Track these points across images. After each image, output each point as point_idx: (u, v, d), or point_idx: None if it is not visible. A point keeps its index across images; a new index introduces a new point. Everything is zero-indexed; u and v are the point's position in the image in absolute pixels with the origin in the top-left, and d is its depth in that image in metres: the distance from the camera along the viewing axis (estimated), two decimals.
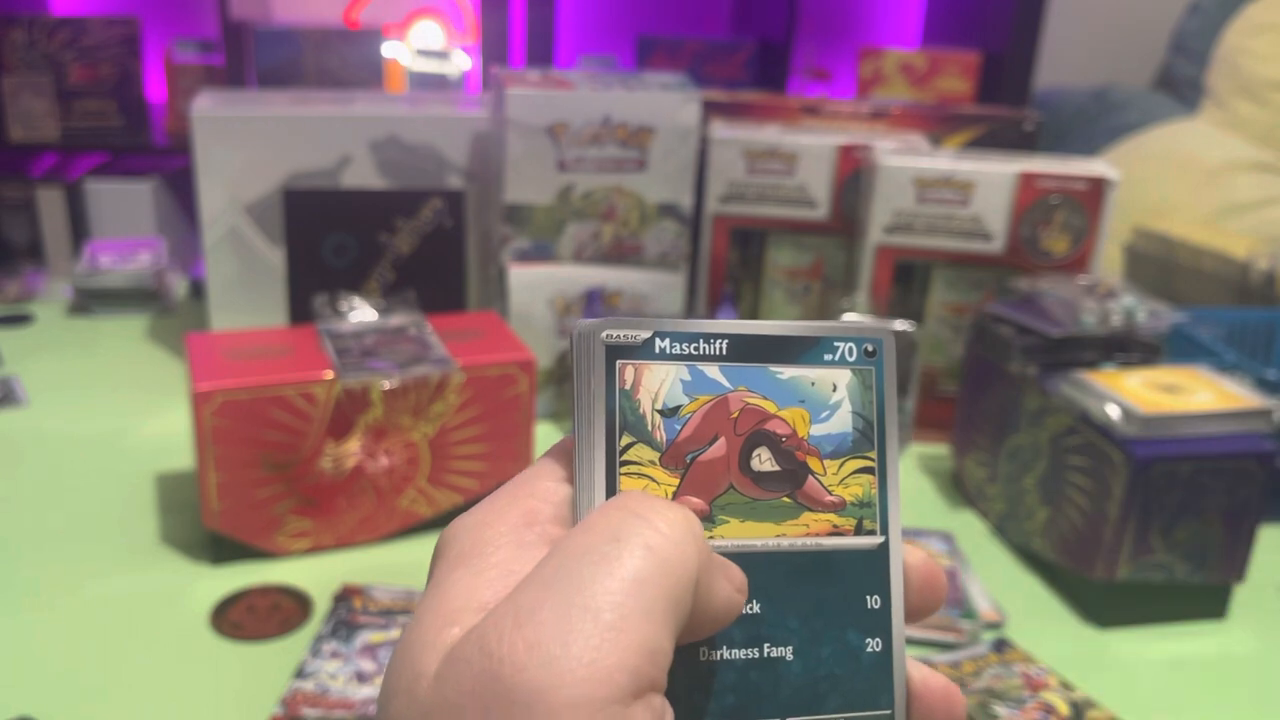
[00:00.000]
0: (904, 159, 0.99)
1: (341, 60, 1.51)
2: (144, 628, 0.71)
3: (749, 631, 0.25)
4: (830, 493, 0.26)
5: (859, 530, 0.26)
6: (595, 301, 0.99)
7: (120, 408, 1.02)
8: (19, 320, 1.24)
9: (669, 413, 0.25)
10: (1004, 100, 1.43)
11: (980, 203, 0.98)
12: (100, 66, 1.53)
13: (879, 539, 0.26)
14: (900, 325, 0.97)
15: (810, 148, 1.03)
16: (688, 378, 0.25)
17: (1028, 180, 0.97)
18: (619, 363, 0.25)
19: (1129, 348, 0.84)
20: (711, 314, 1.08)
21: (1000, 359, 0.86)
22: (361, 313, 0.86)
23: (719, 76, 1.64)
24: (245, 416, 0.74)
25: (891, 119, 1.13)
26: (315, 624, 0.72)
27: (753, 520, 0.26)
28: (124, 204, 1.44)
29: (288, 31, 1.50)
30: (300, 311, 1.00)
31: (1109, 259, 1.41)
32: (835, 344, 0.26)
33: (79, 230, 1.45)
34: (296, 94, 1.09)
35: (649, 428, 0.25)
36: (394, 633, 0.70)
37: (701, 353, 0.26)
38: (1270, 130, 1.54)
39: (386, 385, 0.77)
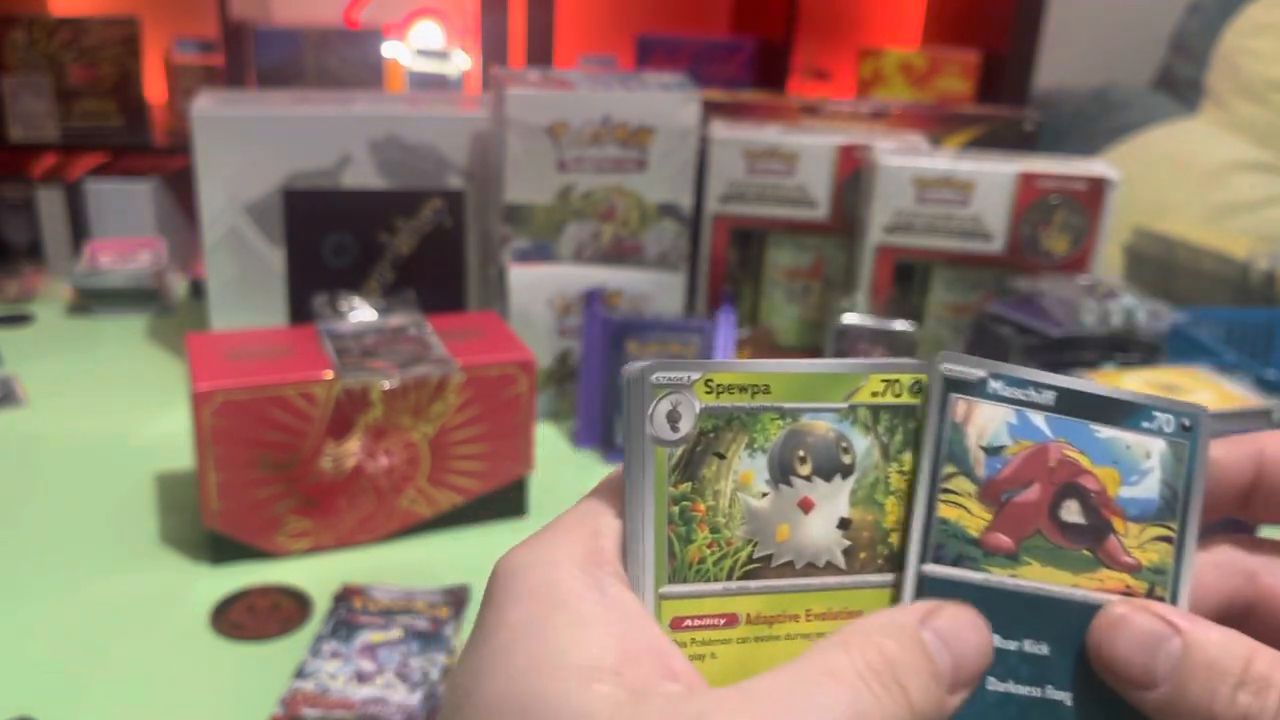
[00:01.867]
0: (904, 159, 0.99)
1: (341, 60, 1.51)
2: (144, 628, 0.71)
3: (1035, 670, 0.26)
4: (1128, 553, 0.27)
5: (1150, 594, 0.27)
6: (595, 301, 0.99)
7: (120, 408, 1.02)
8: (19, 320, 1.24)
9: (993, 451, 0.26)
10: (1004, 100, 1.43)
11: (980, 203, 0.98)
12: (100, 66, 1.53)
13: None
14: (900, 325, 0.97)
15: (810, 148, 1.03)
16: (1014, 421, 0.26)
17: (1028, 180, 0.97)
18: (953, 396, 0.26)
19: (1129, 348, 0.84)
20: (712, 314, 1.08)
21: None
22: (361, 313, 0.86)
23: (719, 76, 1.64)
24: (245, 416, 0.74)
25: (891, 119, 1.13)
26: (315, 624, 0.72)
27: (1053, 566, 0.26)
28: (124, 204, 1.44)
29: (288, 31, 1.50)
30: (300, 311, 1.00)
31: (1109, 259, 1.41)
32: (1155, 413, 0.27)
33: (79, 230, 1.45)
34: (296, 94, 1.09)
35: (971, 462, 0.26)
36: (394, 633, 0.70)
37: (1030, 400, 0.27)
38: (1270, 130, 1.54)
39: (386, 385, 0.77)
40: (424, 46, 1.59)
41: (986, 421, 0.26)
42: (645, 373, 0.25)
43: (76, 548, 0.80)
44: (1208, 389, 0.77)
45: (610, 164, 0.98)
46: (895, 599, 0.26)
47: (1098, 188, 0.98)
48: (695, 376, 0.25)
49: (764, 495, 0.26)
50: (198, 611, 0.73)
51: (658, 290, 1.02)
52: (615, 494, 0.26)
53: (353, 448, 0.79)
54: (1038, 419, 0.26)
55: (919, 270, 1.03)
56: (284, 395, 0.75)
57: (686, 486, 0.25)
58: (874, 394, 0.26)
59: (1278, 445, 0.28)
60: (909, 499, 0.26)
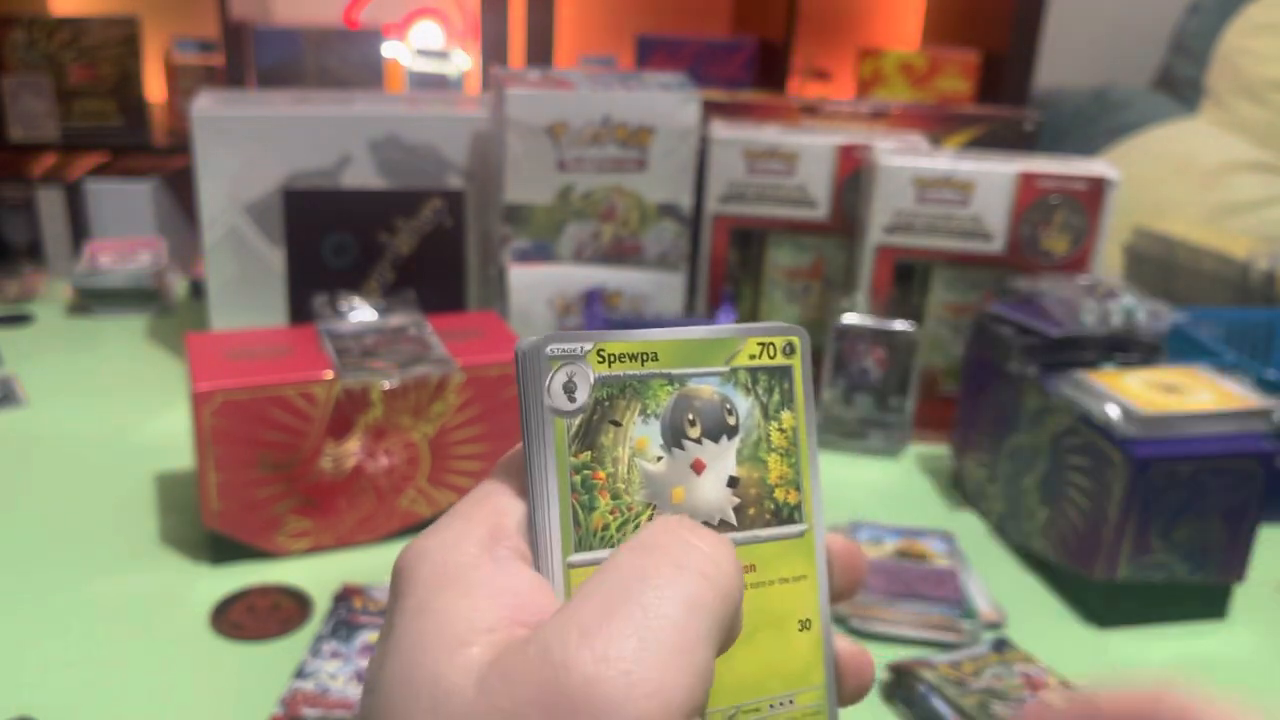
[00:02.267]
0: (904, 159, 0.99)
1: (341, 60, 1.51)
2: (144, 628, 0.71)
3: None
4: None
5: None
6: (595, 301, 0.99)
7: (120, 408, 1.02)
8: (19, 320, 1.24)
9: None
10: (1004, 100, 1.43)
11: (980, 203, 0.98)
12: (100, 66, 1.53)
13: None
14: (900, 325, 0.97)
15: (810, 148, 1.03)
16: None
17: (1028, 180, 0.97)
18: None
19: (1129, 348, 0.84)
20: (712, 314, 1.08)
21: (1000, 359, 0.86)
22: (361, 313, 0.86)
23: (719, 76, 1.64)
24: (245, 416, 0.74)
25: (891, 119, 1.13)
26: (315, 624, 0.72)
27: None
28: (124, 204, 1.44)
29: (288, 31, 1.50)
30: (300, 311, 1.00)
31: (1109, 259, 1.41)
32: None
33: (79, 230, 1.45)
34: (296, 94, 1.09)
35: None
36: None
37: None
38: (1270, 130, 1.54)
39: (386, 385, 0.77)
40: (424, 46, 1.59)
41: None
42: (539, 345, 0.26)
43: (76, 548, 0.80)
44: (1208, 389, 0.77)
45: (610, 164, 0.98)
46: (787, 553, 0.28)
47: (1098, 188, 0.98)
48: (588, 347, 0.26)
49: (659, 459, 0.27)
50: (198, 611, 0.73)
51: (658, 290, 1.02)
52: (514, 472, 0.26)
53: (353, 448, 0.79)
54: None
55: (919, 270, 1.03)
56: (284, 395, 0.75)
57: (586, 455, 0.26)
58: (751, 356, 0.28)
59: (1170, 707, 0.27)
60: (792, 453, 0.28)
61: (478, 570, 0.24)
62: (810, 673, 0.28)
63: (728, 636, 0.24)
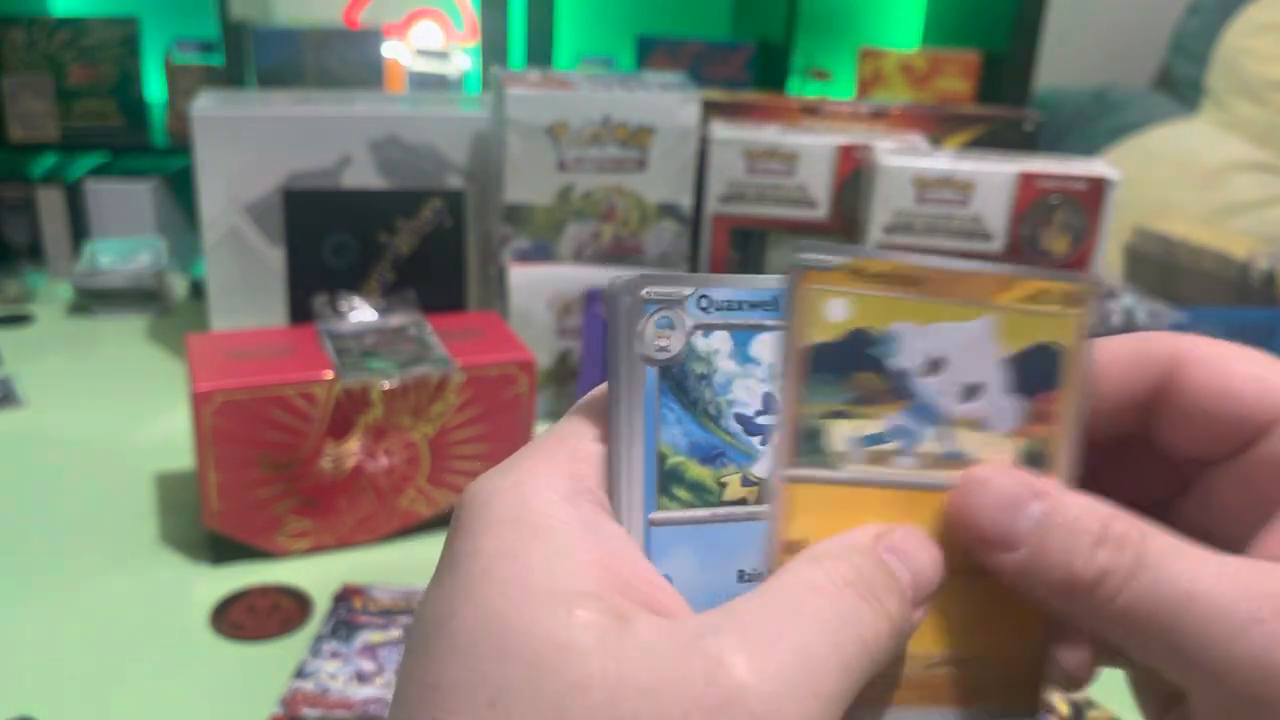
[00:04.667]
0: (904, 159, 0.99)
1: (341, 60, 1.51)
2: (144, 628, 0.71)
3: None
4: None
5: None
6: (595, 301, 0.99)
7: (120, 408, 1.02)
8: (19, 320, 1.24)
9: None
10: (1004, 100, 1.43)
11: (980, 203, 0.98)
12: (100, 66, 1.53)
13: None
14: None
15: (810, 148, 1.03)
16: None
17: (1028, 180, 0.97)
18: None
19: None
20: None
21: None
22: (361, 313, 0.86)
23: (719, 76, 1.64)
24: (245, 416, 0.74)
25: (891, 119, 1.13)
26: (315, 624, 0.72)
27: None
28: (124, 204, 1.44)
29: (288, 31, 1.50)
30: (300, 311, 1.00)
31: (1109, 259, 1.41)
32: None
33: (79, 230, 1.44)
34: (296, 94, 1.09)
35: None
36: (394, 633, 0.70)
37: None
38: (1270, 130, 1.54)
39: (386, 385, 0.77)
40: (424, 46, 1.59)
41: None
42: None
43: (76, 548, 0.80)
44: None
45: (610, 164, 0.98)
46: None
47: (1098, 188, 0.98)
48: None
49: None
50: (198, 611, 0.73)
51: None
52: (595, 414, 0.25)
53: (353, 448, 0.78)
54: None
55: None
56: (284, 395, 0.75)
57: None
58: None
59: (1191, 350, 0.26)
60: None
61: (567, 525, 0.22)
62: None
63: (883, 665, 0.23)
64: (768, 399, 0.24)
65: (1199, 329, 0.96)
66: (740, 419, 0.24)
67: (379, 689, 0.65)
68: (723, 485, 0.24)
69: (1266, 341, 1.03)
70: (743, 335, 0.24)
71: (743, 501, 0.24)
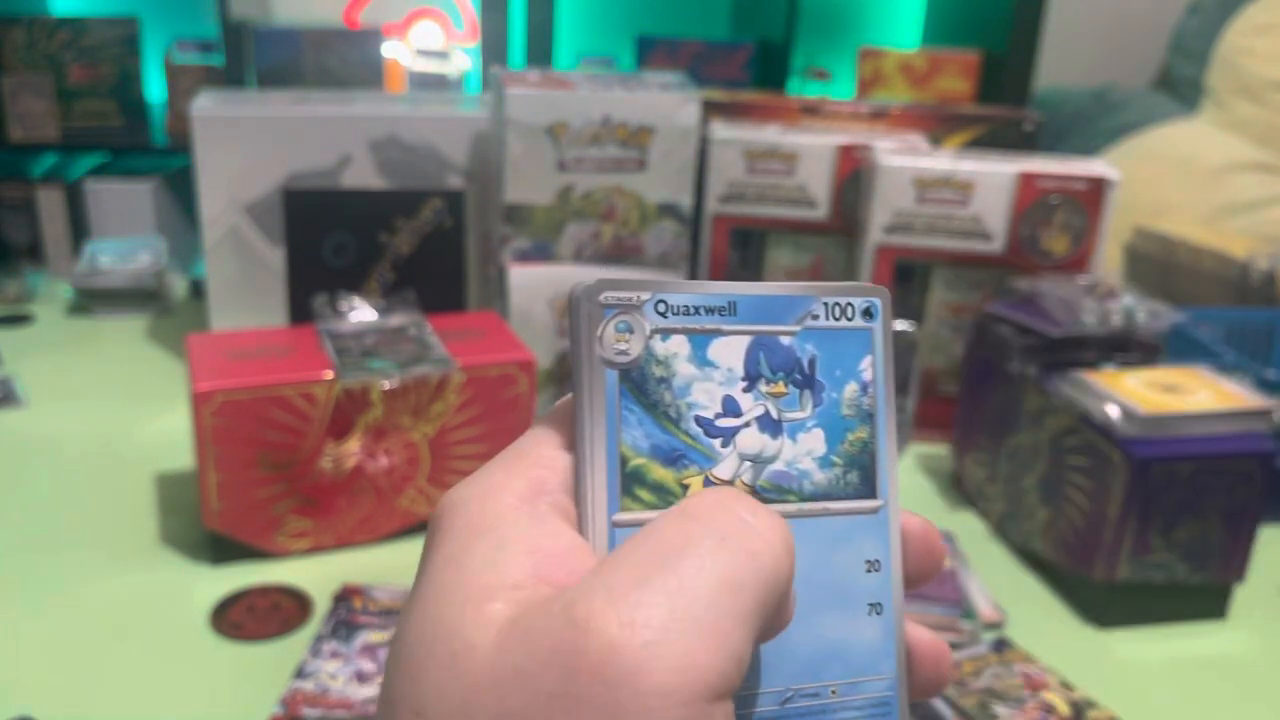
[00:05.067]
0: (904, 159, 0.99)
1: (341, 60, 1.51)
2: (144, 628, 0.71)
3: None
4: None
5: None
6: None
7: (120, 407, 1.02)
8: (19, 320, 1.24)
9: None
10: (1004, 100, 1.43)
11: (980, 203, 0.98)
12: (100, 66, 1.53)
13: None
14: (900, 325, 0.97)
15: (810, 148, 1.03)
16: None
17: (1028, 180, 0.97)
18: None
19: (1129, 348, 0.84)
20: None
21: (1000, 359, 0.86)
22: (361, 313, 0.86)
23: (719, 76, 1.64)
24: (245, 416, 0.74)
25: (891, 119, 1.13)
26: (315, 624, 0.72)
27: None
28: (124, 204, 1.44)
29: (288, 31, 1.50)
30: (300, 311, 1.00)
31: (1109, 259, 1.41)
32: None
33: (79, 230, 1.44)
34: (296, 94, 1.09)
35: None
36: (394, 632, 0.70)
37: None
38: (1270, 130, 1.54)
39: (386, 385, 0.77)
40: (424, 46, 1.59)
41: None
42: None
43: (77, 548, 0.80)
44: (1208, 389, 0.77)
45: (610, 164, 0.98)
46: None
47: (1098, 188, 0.98)
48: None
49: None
50: (198, 611, 0.73)
51: None
52: (562, 422, 0.25)
53: (353, 448, 0.78)
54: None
55: (919, 270, 1.03)
56: (284, 395, 0.75)
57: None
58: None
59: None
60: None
61: (514, 524, 0.23)
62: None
63: (773, 621, 0.22)
64: (727, 401, 0.25)
65: (1199, 329, 0.96)
66: (700, 421, 0.25)
67: (379, 689, 0.65)
68: (685, 486, 0.24)
69: (1266, 341, 1.03)
70: (700, 339, 0.25)
71: None
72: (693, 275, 1.07)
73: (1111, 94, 1.66)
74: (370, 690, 0.65)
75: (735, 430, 0.25)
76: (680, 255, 1.02)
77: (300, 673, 0.66)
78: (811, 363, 0.26)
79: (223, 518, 0.76)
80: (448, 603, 0.22)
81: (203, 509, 0.76)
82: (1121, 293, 0.86)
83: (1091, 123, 1.63)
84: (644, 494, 0.24)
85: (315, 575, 0.77)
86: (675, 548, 0.21)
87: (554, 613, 0.21)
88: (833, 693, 0.25)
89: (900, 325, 0.97)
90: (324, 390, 0.76)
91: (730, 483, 0.25)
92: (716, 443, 0.25)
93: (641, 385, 0.24)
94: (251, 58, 1.49)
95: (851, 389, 0.26)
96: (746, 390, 0.25)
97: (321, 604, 0.74)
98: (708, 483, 0.25)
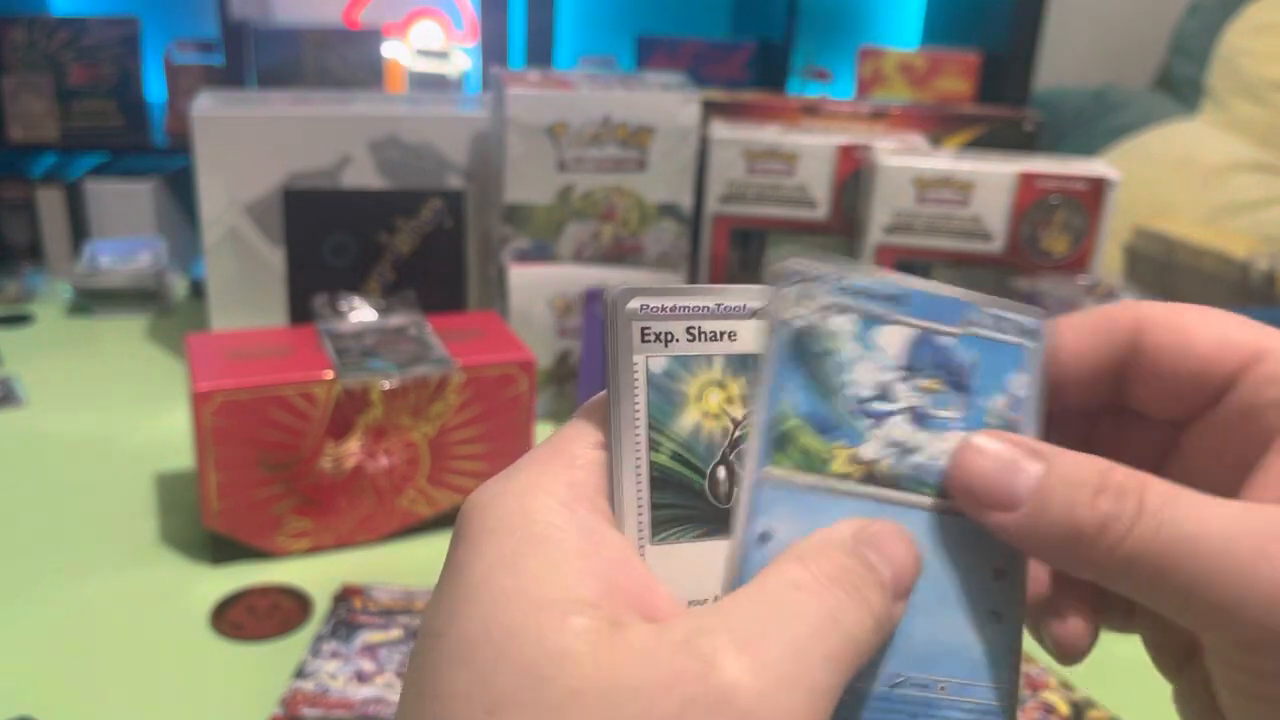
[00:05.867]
0: (904, 159, 0.99)
1: (341, 60, 1.51)
2: (144, 628, 0.71)
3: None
4: None
5: None
6: (595, 301, 0.99)
7: (120, 407, 1.02)
8: (19, 320, 1.24)
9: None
10: (1004, 100, 1.43)
11: (980, 203, 0.98)
12: (100, 66, 1.53)
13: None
14: None
15: (810, 148, 1.03)
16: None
17: (1028, 180, 0.97)
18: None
19: None
20: None
21: None
22: (361, 313, 0.86)
23: (719, 76, 1.64)
24: (245, 416, 0.74)
25: (891, 119, 1.13)
26: (315, 624, 0.72)
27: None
28: (124, 204, 1.44)
29: (288, 31, 1.50)
30: (300, 311, 1.00)
31: (1109, 259, 1.41)
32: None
33: (79, 230, 1.45)
34: (296, 94, 1.09)
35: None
36: (394, 633, 0.70)
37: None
38: (1270, 130, 1.54)
39: (386, 385, 0.77)
40: (424, 46, 1.59)
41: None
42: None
43: (77, 548, 0.80)
44: None
45: (610, 164, 0.98)
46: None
47: (1098, 188, 0.98)
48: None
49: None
50: (198, 611, 0.73)
51: None
52: (597, 419, 0.25)
53: (353, 448, 0.79)
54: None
55: (919, 270, 1.03)
56: (284, 395, 0.75)
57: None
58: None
59: (1151, 315, 0.26)
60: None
61: (564, 533, 0.23)
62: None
63: (868, 658, 0.23)
64: (884, 386, 0.25)
65: None
66: (856, 400, 0.25)
67: (379, 689, 0.65)
68: (831, 457, 0.25)
69: None
70: (870, 322, 0.25)
71: (846, 477, 0.25)
72: (693, 275, 1.07)
73: (1111, 94, 1.66)
74: (370, 690, 0.65)
75: (887, 415, 0.25)
76: (680, 255, 1.02)
77: (300, 673, 0.66)
78: (970, 367, 0.26)
79: (223, 518, 0.76)
80: (515, 609, 0.21)
81: (203, 509, 0.76)
82: (1121, 293, 0.86)
83: (1091, 123, 1.63)
84: (793, 454, 0.24)
85: (315, 575, 0.77)
86: (795, 611, 0.22)
87: (674, 640, 0.21)
88: (941, 689, 0.25)
89: None
90: (324, 390, 0.76)
91: (875, 463, 0.25)
92: (868, 424, 0.25)
93: (805, 353, 0.25)
94: (251, 58, 1.49)
95: (1000, 402, 0.26)
96: (904, 380, 0.25)
97: (321, 604, 0.74)
98: (853, 460, 0.25)
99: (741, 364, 0.25)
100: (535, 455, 0.25)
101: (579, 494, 0.24)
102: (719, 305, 0.25)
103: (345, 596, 0.73)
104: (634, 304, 0.24)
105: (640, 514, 0.24)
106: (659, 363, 0.24)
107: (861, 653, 0.23)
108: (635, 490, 0.24)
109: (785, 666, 0.21)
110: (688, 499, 0.24)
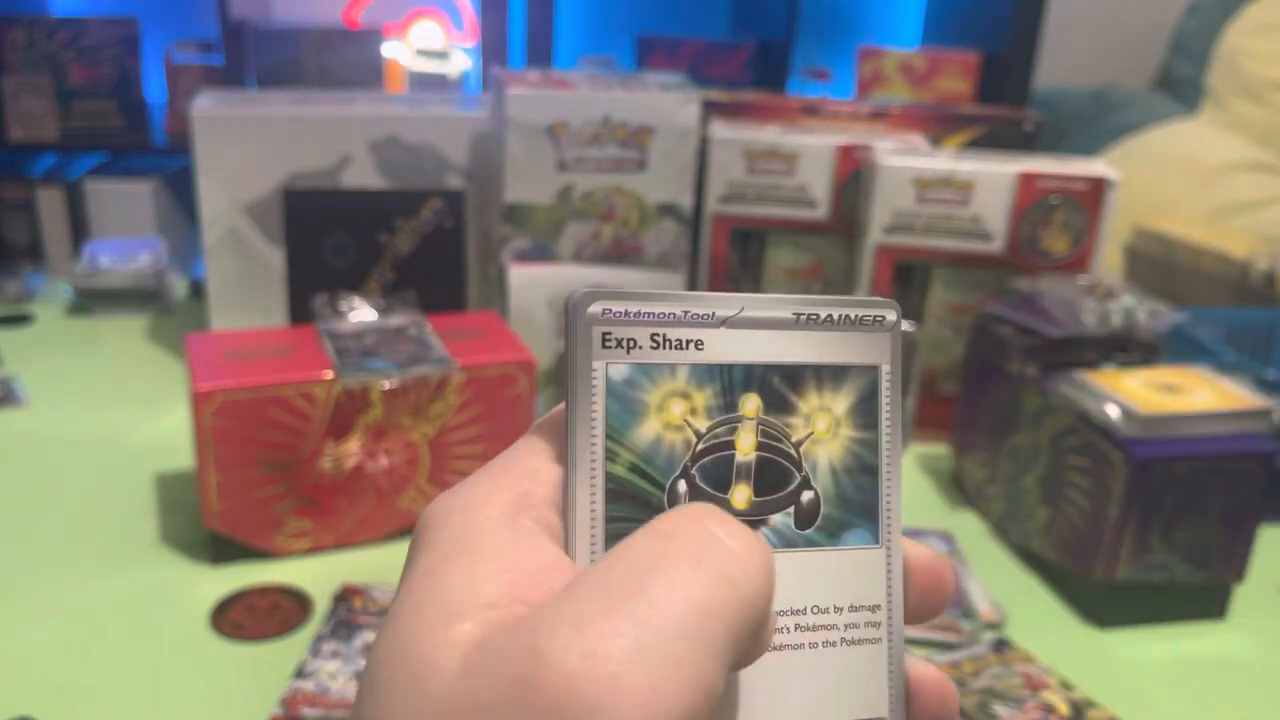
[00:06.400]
0: (904, 159, 0.99)
1: (341, 60, 1.51)
2: (144, 628, 0.71)
3: None
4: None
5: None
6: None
7: (120, 408, 1.02)
8: (19, 320, 1.24)
9: None
10: (1004, 100, 1.43)
11: (980, 203, 0.98)
12: (100, 66, 1.53)
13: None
14: (904, 326, 0.97)
15: (810, 148, 1.03)
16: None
17: (1028, 180, 0.97)
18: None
19: (1129, 348, 0.84)
20: None
21: (1000, 359, 0.86)
22: (361, 313, 0.86)
23: (719, 76, 1.64)
24: (245, 416, 0.74)
25: (891, 119, 1.13)
26: (315, 624, 0.72)
27: None
28: (124, 204, 1.44)
29: (288, 31, 1.50)
30: (300, 311, 1.00)
31: (1109, 259, 1.41)
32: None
33: (79, 230, 1.44)
34: (296, 94, 1.09)
35: None
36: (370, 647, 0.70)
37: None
38: (1270, 130, 1.54)
39: (386, 385, 0.77)
40: (424, 46, 1.59)
41: None
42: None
43: (76, 548, 0.80)
44: (1208, 389, 0.77)
45: (610, 164, 0.98)
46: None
47: (1098, 188, 0.98)
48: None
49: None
50: (198, 611, 0.73)
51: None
52: (554, 432, 0.24)
53: (353, 448, 0.78)
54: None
55: (919, 270, 1.03)
56: (284, 395, 0.75)
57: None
58: None
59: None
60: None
61: (495, 538, 0.22)
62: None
63: (750, 647, 0.21)
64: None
65: (1199, 329, 0.96)
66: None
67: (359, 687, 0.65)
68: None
69: (1266, 341, 1.03)
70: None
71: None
72: (693, 275, 1.07)
73: (1111, 94, 1.66)
74: None
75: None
76: (680, 255, 1.02)
77: (300, 673, 0.66)
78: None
79: (223, 518, 0.76)
80: (419, 620, 0.21)
81: (203, 509, 0.76)
82: (1121, 293, 0.86)
83: (1091, 123, 1.63)
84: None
85: (315, 575, 0.77)
86: (645, 570, 0.20)
87: (516, 640, 0.19)
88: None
89: (904, 326, 0.97)
90: (324, 390, 0.76)
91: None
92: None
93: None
94: (251, 58, 1.49)
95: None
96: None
97: (321, 604, 0.74)
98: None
99: (707, 374, 0.24)
100: (490, 468, 0.24)
101: (524, 503, 0.23)
102: (685, 312, 0.24)
103: (345, 596, 0.73)
104: (595, 308, 0.23)
105: (594, 527, 0.23)
106: (620, 370, 0.23)
107: (726, 607, 0.20)
108: (590, 502, 0.23)
109: (631, 637, 0.19)
110: (644, 513, 0.23)
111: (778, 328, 0.24)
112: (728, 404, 0.24)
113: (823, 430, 0.25)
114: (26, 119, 1.50)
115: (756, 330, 0.24)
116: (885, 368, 0.25)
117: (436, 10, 1.66)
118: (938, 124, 1.13)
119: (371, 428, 0.78)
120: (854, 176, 1.03)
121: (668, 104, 0.97)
